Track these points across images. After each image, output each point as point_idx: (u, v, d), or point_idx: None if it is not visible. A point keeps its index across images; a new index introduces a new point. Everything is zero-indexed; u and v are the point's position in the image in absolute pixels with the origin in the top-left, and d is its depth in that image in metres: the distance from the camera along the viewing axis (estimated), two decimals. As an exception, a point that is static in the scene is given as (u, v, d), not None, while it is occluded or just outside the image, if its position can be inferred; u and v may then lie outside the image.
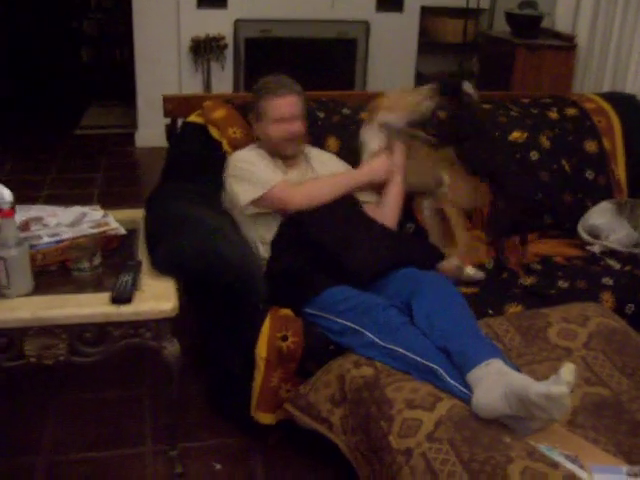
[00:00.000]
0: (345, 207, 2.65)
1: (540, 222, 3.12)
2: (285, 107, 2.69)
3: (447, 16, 6.05)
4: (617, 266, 2.84)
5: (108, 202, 4.46)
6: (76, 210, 2.50)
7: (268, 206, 2.62)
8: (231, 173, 2.68)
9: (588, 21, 4.67)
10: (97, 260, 2.29)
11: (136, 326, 2.12)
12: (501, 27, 5.42)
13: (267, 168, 2.68)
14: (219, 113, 2.88)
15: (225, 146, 2.82)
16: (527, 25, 4.90)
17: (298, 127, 2.72)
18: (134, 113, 6.04)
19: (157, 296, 2.13)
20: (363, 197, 2.79)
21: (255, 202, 2.61)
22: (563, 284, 2.67)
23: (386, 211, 2.78)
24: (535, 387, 1.78)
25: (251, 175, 2.63)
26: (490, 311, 2.46)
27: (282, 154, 2.74)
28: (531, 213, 3.08)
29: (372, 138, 2.82)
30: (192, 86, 5.70)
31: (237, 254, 2.30)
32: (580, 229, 3.08)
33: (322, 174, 2.80)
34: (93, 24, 9.17)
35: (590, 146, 3.29)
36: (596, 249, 2.98)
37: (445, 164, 2.90)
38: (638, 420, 1.93)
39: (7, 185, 2.11)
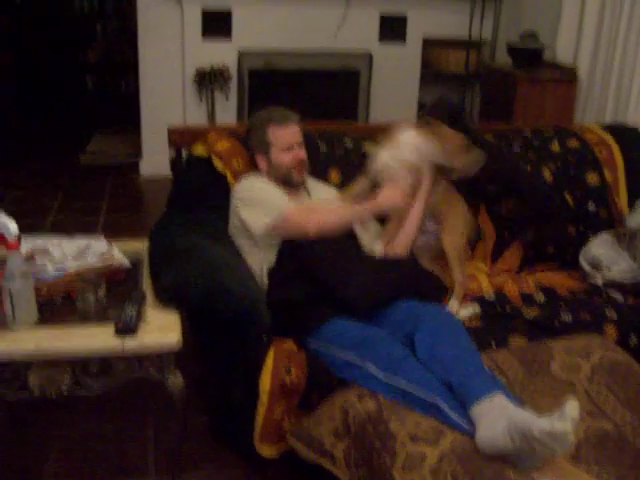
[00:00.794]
0: (344, 237, 2.66)
1: (543, 253, 3.13)
2: (292, 136, 2.76)
3: (449, 47, 6.10)
4: (620, 298, 2.85)
5: (112, 230, 4.51)
6: (81, 241, 2.51)
7: (283, 232, 2.61)
8: (241, 200, 2.69)
9: (589, 53, 4.71)
10: (101, 292, 2.29)
11: (140, 358, 2.13)
12: (503, 59, 5.46)
13: (277, 194, 2.70)
14: (223, 145, 2.90)
15: (229, 178, 2.83)
16: (528, 57, 4.94)
17: (304, 154, 2.79)
18: (138, 142, 6.07)
19: (161, 328, 2.14)
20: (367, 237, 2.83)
21: (270, 228, 2.61)
22: (566, 316, 2.66)
23: (400, 236, 2.79)
24: (538, 423, 1.78)
25: (263, 201, 2.65)
26: (493, 344, 2.46)
27: (292, 182, 2.77)
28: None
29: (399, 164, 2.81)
30: (196, 116, 5.75)
31: (242, 287, 2.30)
32: (582, 260, 3.09)
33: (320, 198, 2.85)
34: (98, 53, 9.26)
35: (592, 178, 3.30)
36: (598, 281, 2.99)
37: (443, 196, 2.90)
38: (642, 454, 1.93)
39: (12, 213, 2.13)
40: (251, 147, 2.83)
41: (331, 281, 2.43)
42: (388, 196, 2.73)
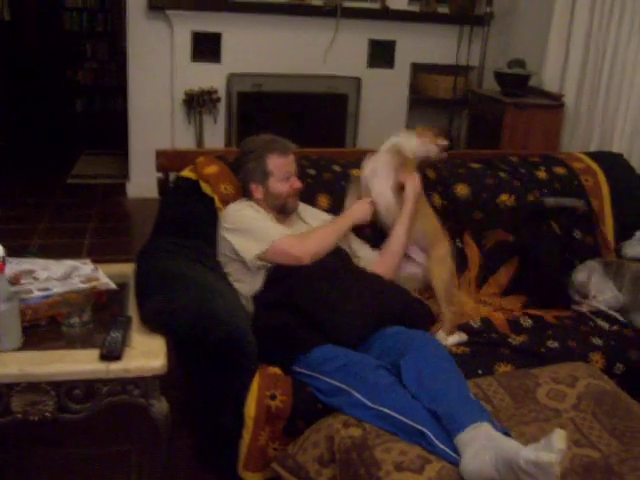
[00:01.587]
0: (331, 263, 2.66)
1: (528, 282, 3.12)
2: (290, 166, 2.77)
3: (437, 73, 6.15)
4: (606, 326, 2.85)
5: (99, 253, 4.50)
6: (66, 264, 2.50)
7: (275, 260, 2.61)
8: (231, 228, 2.68)
9: (575, 80, 4.76)
10: (87, 315, 2.28)
11: (125, 383, 2.11)
12: (490, 85, 5.50)
13: (267, 221, 2.70)
14: (211, 169, 2.90)
15: (217, 202, 2.83)
16: (515, 84, 4.98)
17: (300, 183, 2.81)
18: (126, 164, 6.07)
19: (147, 353, 2.13)
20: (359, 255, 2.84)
21: (261, 256, 2.61)
22: (553, 343, 2.67)
23: (386, 256, 2.81)
24: (524, 453, 1.78)
25: (254, 229, 2.64)
26: (479, 371, 2.46)
27: (286, 210, 2.79)
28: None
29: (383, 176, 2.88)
30: (184, 138, 5.75)
31: (230, 314, 2.30)
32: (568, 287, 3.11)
33: (314, 224, 2.85)
34: (88, 74, 9.28)
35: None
36: (584, 308, 3.00)
37: (431, 226, 2.92)
38: (627, 483, 1.92)
39: (-2, 235, 2.12)
40: (244, 175, 2.80)
41: (318, 309, 2.43)
42: (358, 208, 2.83)
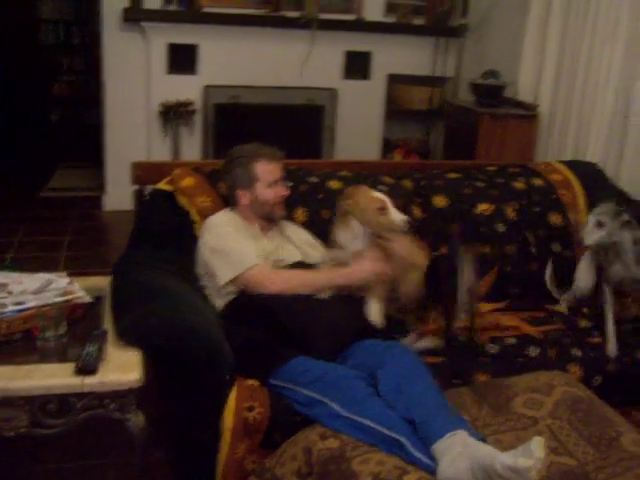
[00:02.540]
0: None
1: (506, 293, 3.14)
2: (278, 172, 2.79)
3: (413, 84, 6.18)
4: (588, 324, 2.91)
5: (75, 266, 4.47)
6: (41, 277, 2.48)
7: (244, 286, 2.61)
8: (208, 247, 2.68)
9: (550, 90, 4.80)
10: (62, 329, 2.26)
11: (100, 397, 2.10)
12: (466, 95, 5.54)
13: (246, 241, 2.69)
14: (188, 181, 2.90)
15: (193, 215, 2.83)
16: (490, 94, 5.01)
17: (287, 190, 2.83)
18: (102, 176, 6.04)
19: (122, 367, 2.11)
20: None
21: (232, 283, 2.62)
22: (532, 353, 2.68)
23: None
24: (501, 459, 1.78)
25: (229, 252, 2.63)
26: (456, 381, 2.46)
27: (273, 218, 2.80)
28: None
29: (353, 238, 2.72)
30: (161, 150, 5.73)
31: (205, 326, 2.29)
32: (548, 282, 3.14)
33: (296, 240, 2.86)
34: (64, 86, 9.24)
35: (556, 219, 3.33)
36: (563, 305, 3.03)
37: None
38: (604, 491, 1.93)
39: (-27, 249, 2.10)
40: (231, 181, 2.80)
41: (292, 325, 2.43)
42: (361, 269, 2.65)
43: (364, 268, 2.63)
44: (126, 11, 5.40)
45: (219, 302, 2.64)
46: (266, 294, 2.54)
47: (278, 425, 2.25)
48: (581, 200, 3.44)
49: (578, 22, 4.48)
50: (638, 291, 2.91)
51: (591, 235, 2.70)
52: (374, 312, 2.58)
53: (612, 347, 2.75)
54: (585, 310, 3.04)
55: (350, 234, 2.69)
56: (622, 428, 2.18)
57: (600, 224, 2.68)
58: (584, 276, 3.02)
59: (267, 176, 2.76)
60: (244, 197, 2.77)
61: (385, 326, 2.59)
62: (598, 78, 4.31)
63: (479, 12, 5.84)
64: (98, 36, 5.80)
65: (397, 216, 2.62)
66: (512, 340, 2.76)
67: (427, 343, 2.63)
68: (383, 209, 2.63)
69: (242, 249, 2.65)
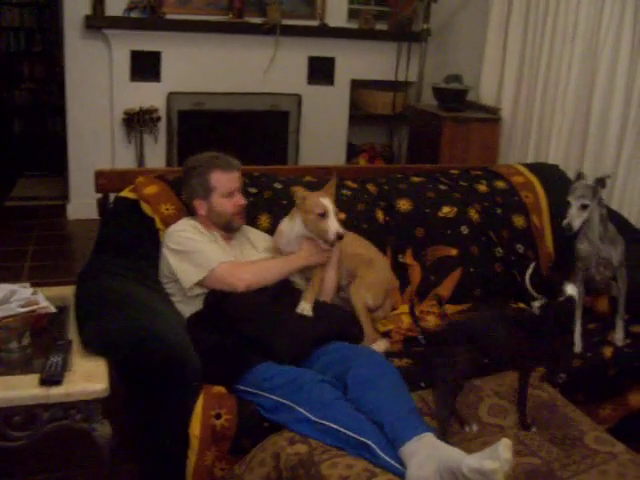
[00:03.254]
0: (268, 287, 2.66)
1: (470, 294, 3.17)
2: (234, 182, 2.77)
3: (377, 89, 6.22)
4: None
5: (39, 276, 4.42)
6: (5, 288, 2.45)
7: (212, 287, 2.60)
8: (172, 251, 2.66)
9: (511, 94, 4.86)
10: (26, 340, 2.25)
11: (66, 408, 2.09)
12: (429, 100, 5.58)
13: (210, 244, 2.68)
14: (152, 189, 2.88)
15: (158, 223, 2.81)
16: (453, 98, 5.06)
17: (244, 200, 2.81)
18: (66, 185, 5.99)
19: (88, 376, 2.10)
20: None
21: (199, 284, 2.61)
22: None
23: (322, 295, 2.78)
24: (468, 461, 1.80)
25: (194, 254, 2.62)
26: (423, 384, 2.47)
27: (231, 227, 2.78)
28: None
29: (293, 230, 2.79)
30: (125, 158, 5.70)
31: (171, 333, 2.28)
32: (528, 283, 3.17)
33: (259, 247, 2.86)
34: (25, 94, 9.14)
35: (519, 220, 3.39)
36: (536, 305, 3.06)
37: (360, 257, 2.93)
38: (569, 487, 1.96)
39: None
40: (188, 191, 2.79)
41: (254, 333, 2.42)
42: (310, 253, 2.74)
43: (316, 251, 2.73)
44: (88, 18, 5.36)
45: (186, 308, 2.63)
46: (232, 302, 2.53)
47: (246, 431, 2.25)
48: (543, 202, 3.48)
49: (537, 27, 4.55)
50: (605, 282, 2.95)
51: (578, 219, 2.75)
52: (305, 304, 2.60)
53: (577, 342, 2.79)
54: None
55: (293, 226, 2.75)
56: (585, 427, 2.22)
57: (584, 207, 2.73)
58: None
59: (223, 186, 2.73)
60: (201, 207, 2.76)
61: (354, 330, 2.61)
62: (558, 81, 4.36)
63: (441, 17, 5.89)
64: (60, 43, 5.75)
65: (332, 225, 2.63)
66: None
67: (378, 347, 2.66)
68: (323, 215, 2.64)
69: (206, 250, 2.65)
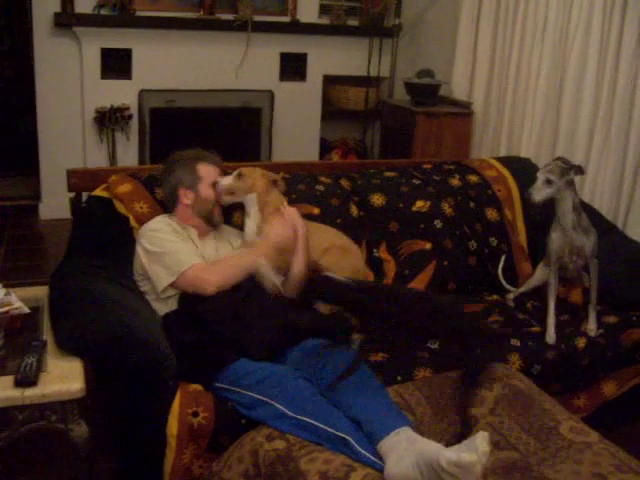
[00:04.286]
0: (241, 284, 2.64)
1: (444, 288, 3.19)
2: (217, 175, 2.83)
3: (349, 84, 6.22)
4: (526, 317, 3.01)
5: (12, 277, 4.38)
6: (-23, 289, 2.44)
7: (183, 289, 2.60)
8: (146, 252, 2.65)
9: (483, 89, 4.89)
10: (0, 342, 2.23)
11: (42, 409, 2.08)
12: (401, 95, 5.59)
13: (182, 243, 2.68)
14: (125, 188, 2.87)
15: (132, 221, 2.80)
16: (425, 93, 5.07)
17: None
18: (37, 184, 5.93)
19: (63, 377, 2.10)
20: None
21: (171, 286, 2.61)
22: (472, 346, 2.73)
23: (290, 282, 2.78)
24: (445, 454, 1.81)
25: (165, 255, 2.61)
26: (399, 377, 2.48)
27: (212, 221, 2.81)
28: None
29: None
30: (97, 156, 5.65)
31: (146, 332, 2.27)
32: (500, 276, 3.23)
33: (235, 245, 2.86)
34: (-6, 92, 9.03)
35: (492, 214, 3.41)
36: (510, 297, 3.10)
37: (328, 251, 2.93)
38: (547, 480, 1.98)
39: None
40: (172, 182, 2.80)
41: (228, 332, 2.42)
42: (277, 232, 2.77)
43: (282, 228, 2.77)
44: (57, 16, 5.31)
45: (161, 307, 2.63)
46: (198, 304, 2.51)
47: (224, 429, 2.25)
48: (515, 195, 3.51)
49: (508, 21, 4.58)
50: (578, 271, 2.99)
51: (540, 192, 2.78)
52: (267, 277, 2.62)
53: (551, 333, 2.82)
54: (529, 305, 3.12)
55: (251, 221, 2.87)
56: (560, 416, 2.24)
57: (549, 182, 2.76)
58: (539, 269, 3.11)
59: (210, 176, 2.81)
60: (186, 197, 2.78)
61: (329, 326, 2.61)
62: (529, 75, 4.40)
63: (412, 13, 5.91)
64: (29, 42, 5.70)
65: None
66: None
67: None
68: (275, 182, 2.89)
69: (178, 251, 2.63)
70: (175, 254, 2.62)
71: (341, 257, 2.89)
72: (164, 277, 2.60)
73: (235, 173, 2.86)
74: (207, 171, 2.81)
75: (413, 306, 2.53)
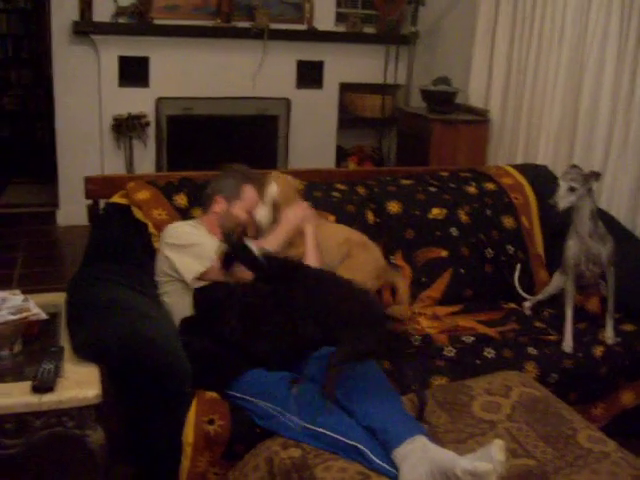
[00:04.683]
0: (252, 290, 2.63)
1: (460, 295, 3.18)
2: (255, 204, 2.83)
3: (365, 92, 6.22)
4: (543, 325, 2.99)
5: (29, 283, 4.40)
6: (-5, 295, 2.45)
7: (216, 279, 2.58)
8: (172, 246, 2.67)
9: (499, 96, 4.87)
10: (17, 347, 2.25)
11: (58, 415, 2.08)
12: (417, 102, 5.59)
13: (208, 237, 2.70)
14: (143, 195, 2.88)
15: (150, 228, 2.82)
16: (442, 101, 5.06)
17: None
18: (55, 191, 5.97)
19: (80, 383, 2.10)
20: None
21: (201, 277, 2.60)
22: (489, 354, 2.72)
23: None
24: (461, 463, 1.80)
25: (193, 247, 2.64)
26: (414, 386, 2.47)
27: (230, 239, 2.78)
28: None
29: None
30: (114, 164, 5.68)
31: (163, 339, 2.28)
32: (517, 285, 3.22)
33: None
34: (13, 100, 9.11)
35: (508, 222, 3.41)
36: (527, 305, 3.09)
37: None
38: (562, 490, 1.97)
39: None
40: (216, 186, 2.84)
41: (240, 339, 2.40)
42: (294, 214, 2.80)
43: (298, 211, 2.81)
44: (76, 24, 5.35)
45: (182, 309, 2.61)
46: (218, 309, 2.48)
47: (239, 437, 2.25)
48: (532, 202, 3.51)
49: (525, 29, 4.56)
50: (595, 279, 2.98)
51: (564, 199, 2.78)
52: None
53: (569, 342, 2.81)
54: (546, 313, 3.10)
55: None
56: (578, 425, 2.22)
57: (572, 189, 2.76)
58: (556, 277, 3.09)
59: (248, 201, 2.82)
60: (219, 205, 2.80)
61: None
62: (546, 82, 4.38)
63: (429, 20, 5.91)
64: (48, 50, 5.74)
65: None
66: (469, 342, 2.80)
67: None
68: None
69: (205, 243, 2.66)
70: (204, 245, 2.65)
71: (363, 252, 2.88)
72: (195, 266, 2.60)
73: (269, 199, 2.83)
74: (250, 197, 2.82)
75: (327, 288, 2.47)
